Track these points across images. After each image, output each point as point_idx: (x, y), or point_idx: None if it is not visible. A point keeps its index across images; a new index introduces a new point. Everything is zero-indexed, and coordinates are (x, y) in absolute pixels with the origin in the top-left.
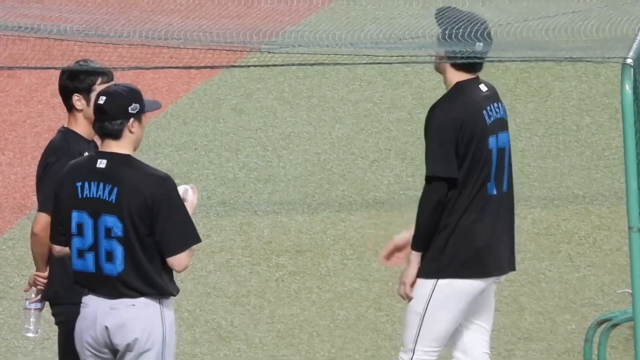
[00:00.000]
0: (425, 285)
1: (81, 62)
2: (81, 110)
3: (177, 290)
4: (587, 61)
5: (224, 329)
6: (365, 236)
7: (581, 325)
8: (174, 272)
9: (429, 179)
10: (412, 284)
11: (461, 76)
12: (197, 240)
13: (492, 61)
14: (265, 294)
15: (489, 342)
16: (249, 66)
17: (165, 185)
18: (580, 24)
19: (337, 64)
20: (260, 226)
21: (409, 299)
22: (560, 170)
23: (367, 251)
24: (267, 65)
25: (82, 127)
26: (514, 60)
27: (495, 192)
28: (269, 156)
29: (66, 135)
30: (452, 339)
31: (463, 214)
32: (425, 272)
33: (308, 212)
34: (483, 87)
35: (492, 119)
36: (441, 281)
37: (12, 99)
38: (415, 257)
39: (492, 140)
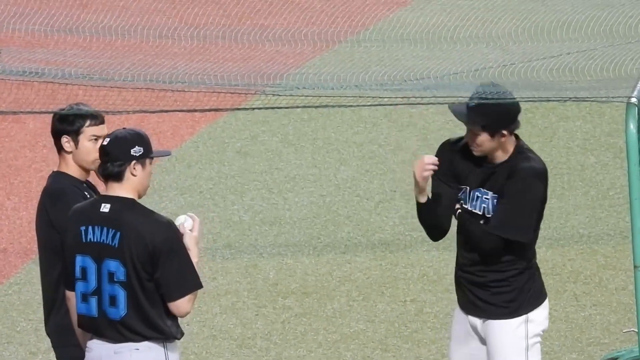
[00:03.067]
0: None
1: (73, 105)
2: (70, 152)
3: (182, 334)
4: (592, 101)
5: None
6: (371, 277)
7: None
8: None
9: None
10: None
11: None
12: (198, 286)
13: (497, 101)
14: (271, 336)
15: None
16: (253, 109)
17: (168, 232)
18: (584, 64)
19: (342, 106)
20: (266, 268)
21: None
22: (565, 210)
23: (373, 292)
24: (272, 108)
25: (73, 169)
26: (518, 101)
27: None
28: (274, 198)
29: (59, 178)
30: None
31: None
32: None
33: (314, 254)
34: None
35: None
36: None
37: (17, 144)
38: None
39: None
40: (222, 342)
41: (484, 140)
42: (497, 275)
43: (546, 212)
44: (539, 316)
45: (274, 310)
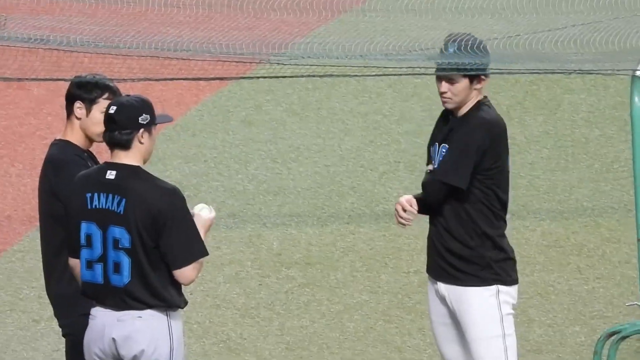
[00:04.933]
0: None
1: (95, 75)
2: (79, 119)
3: (185, 303)
4: (596, 73)
5: (234, 341)
6: (374, 248)
7: (590, 337)
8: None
9: None
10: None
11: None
12: (204, 253)
13: (501, 73)
14: (274, 306)
15: None
16: (258, 78)
17: (173, 198)
18: (589, 36)
19: (346, 75)
20: (269, 238)
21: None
22: (569, 183)
23: (376, 263)
24: (276, 77)
25: (77, 136)
26: (522, 73)
27: None
28: (278, 168)
29: (62, 146)
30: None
31: None
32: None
33: (317, 224)
34: None
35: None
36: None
37: (21, 111)
38: None
39: None
40: (225, 311)
41: (461, 89)
42: (457, 240)
43: (550, 184)
44: (510, 291)
45: (277, 280)
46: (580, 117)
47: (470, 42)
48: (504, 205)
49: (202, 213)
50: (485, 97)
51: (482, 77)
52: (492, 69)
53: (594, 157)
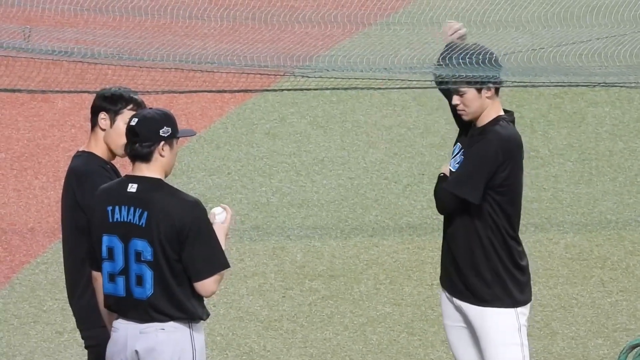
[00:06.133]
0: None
1: (120, 88)
2: (104, 130)
3: (207, 315)
4: (621, 86)
5: (257, 354)
6: (398, 261)
7: (613, 350)
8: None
9: None
10: None
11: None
12: (225, 266)
13: (525, 86)
14: (298, 318)
15: None
16: (282, 90)
17: (195, 211)
18: (613, 49)
19: (371, 88)
20: (293, 251)
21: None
22: (593, 196)
23: (400, 276)
24: (301, 90)
25: (101, 149)
26: (547, 86)
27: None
28: (302, 181)
29: (86, 158)
30: None
31: None
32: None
33: (341, 236)
34: None
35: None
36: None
37: (45, 123)
38: None
39: None
40: (248, 323)
41: (471, 99)
42: (468, 259)
43: (574, 197)
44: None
45: (300, 292)
46: (605, 129)
47: (469, 53)
48: (513, 222)
49: (218, 219)
50: (510, 112)
51: (490, 86)
52: (515, 81)
53: (618, 169)
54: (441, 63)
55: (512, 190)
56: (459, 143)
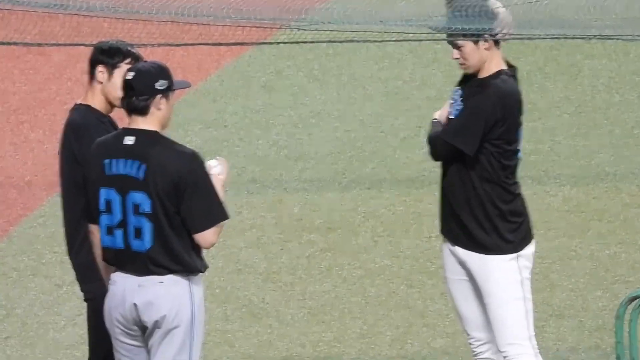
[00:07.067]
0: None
1: (118, 41)
2: (101, 83)
3: (206, 267)
4: (617, 39)
5: (256, 306)
6: (395, 213)
7: (612, 302)
8: (204, 249)
9: None
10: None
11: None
12: (224, 217)
13: (522, 39)
14: (296, 271)
15: None
16: (278, 43)
17: (193, 163)
18: (610, 2)
19: (367, 41)
20: (290, 203)
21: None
22: (590, 148)
23: (398, 228)
24: (297, 42)
25: (98, 101)
26: (543, 38)
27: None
28: (299, 134)
29: (83, 111)
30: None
31: None
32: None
33: (339, 189)
34: None
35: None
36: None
37: (41, 77)
38: None
39: None
40: (247, 276)
41: (469, 51)
42: (465, 208)
43: (571, 150)
44: (528, 253)
45: (299, 245)
46: (601, 82)
47: (465, 4)
48: (510, 173)
49: (214, 171)
50: (513, 67)
51: (487, 37)
52: (511, 34)
53: (614, 122)
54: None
55: (509, 143)
56: (460, 89)
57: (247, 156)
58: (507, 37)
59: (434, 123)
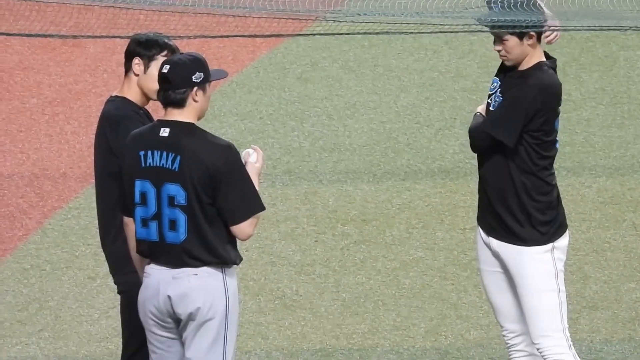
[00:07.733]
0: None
1: (154, 34)
2: (137, 75)
3: (240, 259)
4: None
5: (289, 298)
6: (430, 205)
7: None
8: (238, 241)
9: None
10: None
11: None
12: (261, 208)
13: (557, 30)
14: (330, 262)
15: None
16: (314, 35)
17: (228, 154)
18: None
19: (403, 32)
20: (325, 195)
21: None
22: (625, 139)
23: (432, 220)
24: (333, 34)
25: (134, 93)
26: (578, 30)
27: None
28: (334, 125)
29: (119, 103)
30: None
31: None
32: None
33: (373, 181)
34: None
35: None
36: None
37: (77, 69)
38: None
39: None
40: (280, 268)
41: (513, 45)
42: (502, 199)
43: (606, 141)
44: (563, 244)
45: (333, 237)
46: (637, 73)
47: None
48: (547, 164)
49: (251, 159)
50: (552, 59)
51: (532, 33)
52: (547, 25)
53: None
54: (487, 5)
55: (548, 134)
56: (498, 79)
57: (281, 147)
58: (553, 31)
59: (476, 116)
